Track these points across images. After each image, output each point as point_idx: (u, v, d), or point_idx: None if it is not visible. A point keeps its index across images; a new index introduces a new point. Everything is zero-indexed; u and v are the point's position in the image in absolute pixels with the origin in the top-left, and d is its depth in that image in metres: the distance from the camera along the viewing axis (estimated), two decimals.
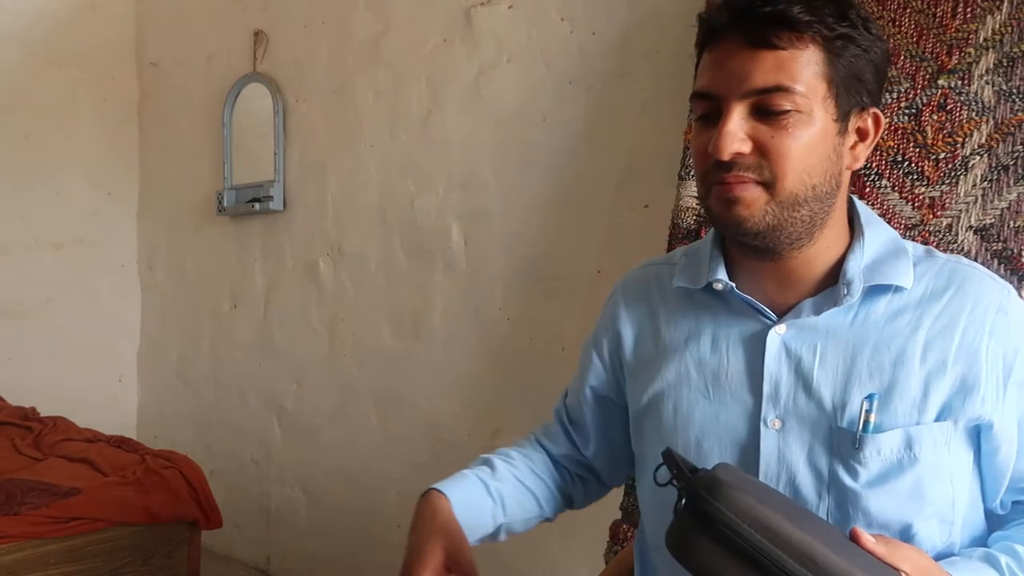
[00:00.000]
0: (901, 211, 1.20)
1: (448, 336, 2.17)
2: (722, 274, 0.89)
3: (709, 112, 0.82)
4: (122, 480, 1.92)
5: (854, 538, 0.71)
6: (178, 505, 1.93)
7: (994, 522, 0.87)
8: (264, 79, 2.66)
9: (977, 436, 0.82)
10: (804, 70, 0.78)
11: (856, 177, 1.23)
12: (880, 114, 0.85)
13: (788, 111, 0.78)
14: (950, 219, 1.16)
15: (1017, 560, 0.79)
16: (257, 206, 2.64)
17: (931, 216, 1.17)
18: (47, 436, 2.29)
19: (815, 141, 0.80)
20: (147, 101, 3.23)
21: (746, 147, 0.79)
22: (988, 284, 0.83)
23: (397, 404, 2.30)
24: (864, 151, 0.85)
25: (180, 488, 1.95)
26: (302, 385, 2.59)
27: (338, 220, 2.47)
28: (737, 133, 0.79)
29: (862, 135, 0.84)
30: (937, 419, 0.80)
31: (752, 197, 0.80)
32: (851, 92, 0.81)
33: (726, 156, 0.78)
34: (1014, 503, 0.86)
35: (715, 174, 0.81)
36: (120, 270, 3.23)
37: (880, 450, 0.80)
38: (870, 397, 0.81)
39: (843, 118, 0.82)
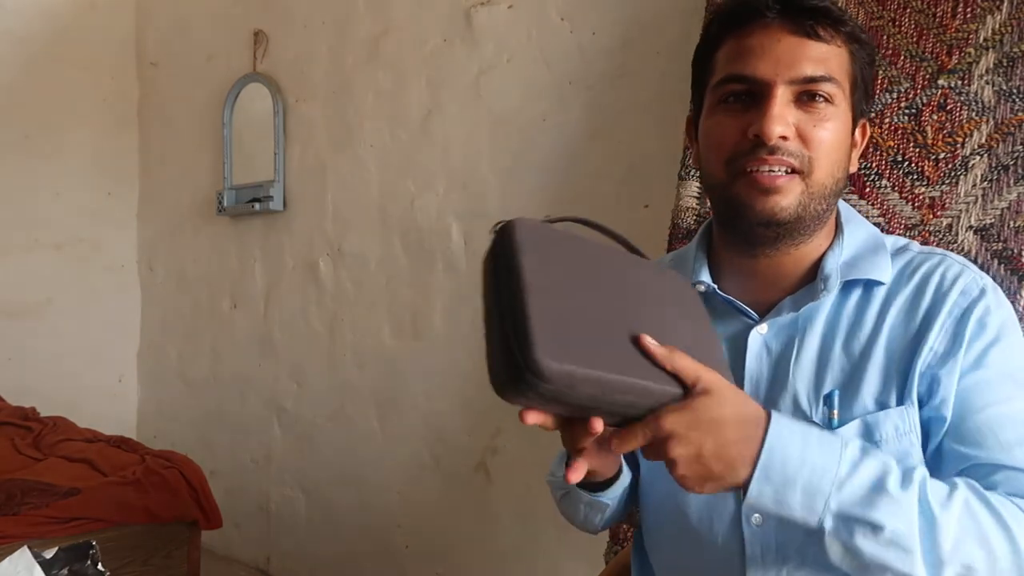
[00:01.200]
0: (901, 211, 1.20)
1: (448, 336, 2.17)
2: (704, 276, 0.90)
3: (742, 96, 0.81)
4: (122, 480, 1.92)
5: (640, 346, 0.68)
6: (178, 505, 1.93)
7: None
8: (264, 79, 2.66)
9: (922, 412, 0.81)
10: (841, 66, 0.81)
11: (856, 177, 1.23)
12: (867, 126, 0.89)
13: (830, 102, 0.80)
14: (950, 219, 1.16)
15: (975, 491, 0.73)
16: (257, 206, 2.64)
17: (931, 216, 1.17)
18: (47, 436, 2.28)
19: (843, 137, 0.82)
20: (147, 101, 3.23)
21: (791, 132, 0.79)
22: (955, 269, 0.83)
23: (397, 404, 2.30)
24: (855, 157, 0.87)
25: (180, 488, 1.95)
26: (302, 385, 2.59)
27: (338, 220, 2.47)
28: (785, 117, 0.79)
29: (853, 143, 0.86)
30: (899, 404, 0.80)
31: (790, 187, 0.80)
32: (860, 96, 0.84)
33: (774, 138, 0.78)
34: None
35: (750, 158, 0.80)
36: (120, 270, 3.23)
37: None
38: (830, 395, 0.82)
39: (855, 119, 0.84)
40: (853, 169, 0.87)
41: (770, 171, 0.79)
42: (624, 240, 0.85)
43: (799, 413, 0.83)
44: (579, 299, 0.67)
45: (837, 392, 0.81)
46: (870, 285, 0.85)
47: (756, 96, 0.80)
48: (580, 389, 0.62)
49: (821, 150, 0.80)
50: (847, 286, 0.85)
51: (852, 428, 0.80)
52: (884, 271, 0.84)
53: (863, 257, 0.86)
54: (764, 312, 0.87)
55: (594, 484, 0.90)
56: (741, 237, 0.86)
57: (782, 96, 0.79)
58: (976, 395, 0.79)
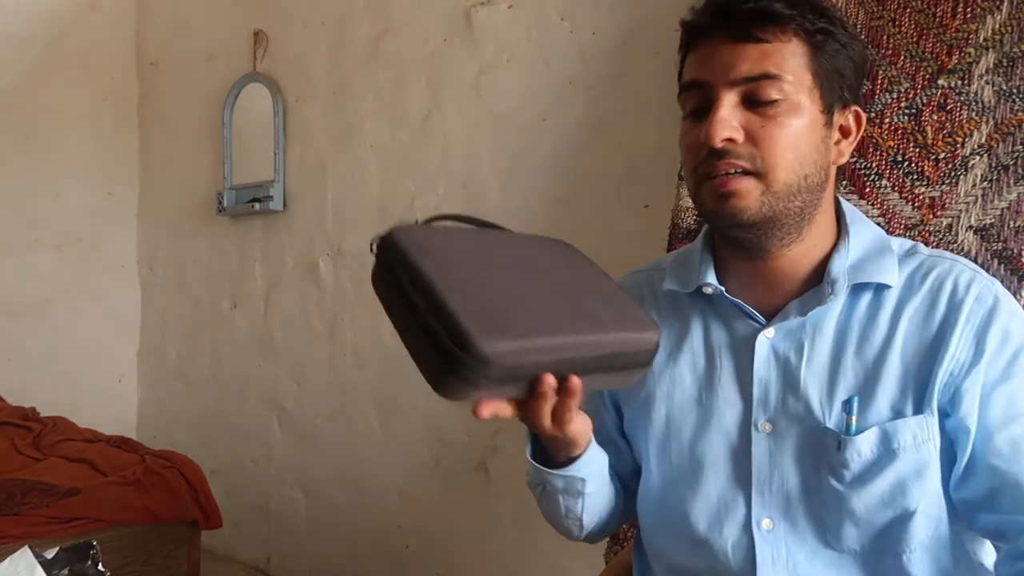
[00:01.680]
0: (901, 211, 1.20)
1: None
2: (711, 277, 0.89)
3: (699, 107, 0.83)
4: (122, 480, 1.92)
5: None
6: (178, 505, 1.93)
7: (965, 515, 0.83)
8: (264, 79, 2.66)
9: (946, 423, 0.82)
10: (789, 60, 0.80)
11: (856, 177, 1.23)
12: (861, 112, 0.87)
13: (777, 100, 0.79)
14: (950, 219, 1.16)
15: None
16: (257, 206, 2.64)
17: (931, 216, 1.17)
18: (47, 436, 2.28)
19: (805, 131, 0.80)
20: (147, 101, 3.23)
21: (738, 135, 0.79)
22: (967, 276, 0.83)
23: (397, 404, 2.30)
24: (848, 147, 0.86)
25: (180, 488, 1.95)
26: (302, 385, 2.59)
27: (338, 220, 2.47)
28: (729, 120, 0.79)
29: (844, 132, 0.85)
30: (916, 412, 0.80)
31: (746, 188, 0.80)
32: (834, 86, 0.82)
33: (718, 142, 0.78)
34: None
35: (706, 164, 0.81)
36: (120, 270, 3.22)
37: (860, 451, 0.80)
38: (849, 400, 0.81)
39: (828, 111, 0.83)
40: (842, 161, 0.86)
41: (725, 174, 0.79)
42: (492, 224, 0.86)
43: (811, 419, 0.83)
44: (487, 282, 0.68)
45: (857, 398, 0.81)
46: (880, 289, 0.84)
47: (707, 105, 0.81)
48: (530, 359, 0.64)
49: (775, 148, 0.79)
50: (856, 290, 0.84)
51: (870, 435, 0.80)
52: (891, 274, 0.84)
53: (870, 260, 0.85)
54: (770, 315, 0.87)
55: (563, 461, 0.87)
56: (727, 242, 0.87)
57: (726, 100, 0.79)
58: (1008, 406, 0.79)
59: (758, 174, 0.79)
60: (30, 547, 0.84)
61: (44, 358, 2.98)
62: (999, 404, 0.79)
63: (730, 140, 0.79)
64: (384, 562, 2.32)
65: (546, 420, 0.73)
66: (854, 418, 0.80)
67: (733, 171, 0.79)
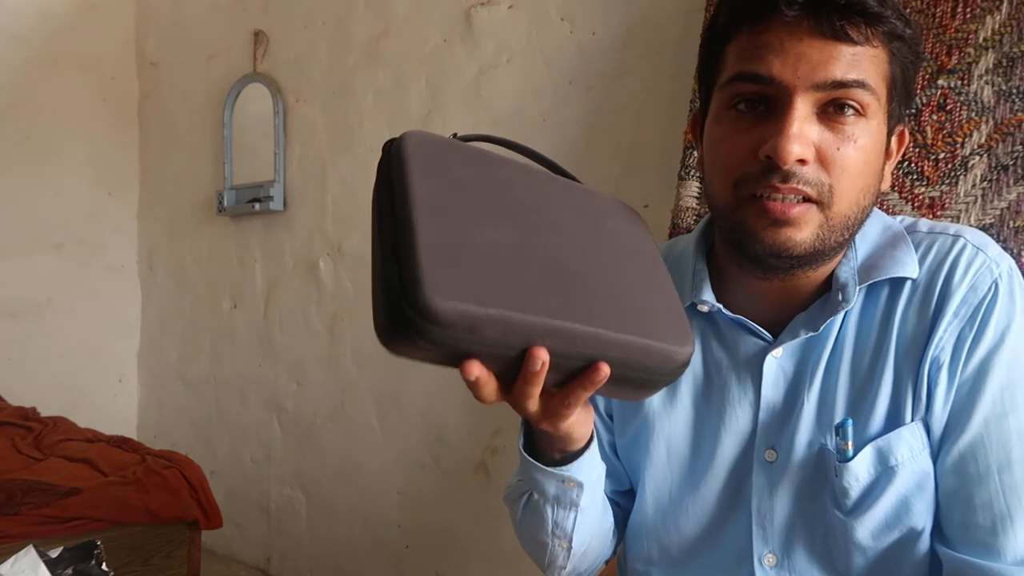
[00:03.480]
0: (901, 211, 1.20)
1: None
2: (708, 294, 0.78)
3: (755, 102, 0.69)
4: (122, 480, 1.92)
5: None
6: (178, 505, 1.93)
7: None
8: (264, 79, 2.66)
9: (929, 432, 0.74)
10: (878, 70, 0.68)
11: None
12: (906, 132, 0.77)
13: (857, 115, 0.67)
14: (950, 219, 1.16)
15: None
16: (257, 206, 2.64)
17: (931, 216, 1.17)
18: (47, 436, 2.28)
19: (874, 157, 0.70)
20: (147, 101, 3.24)
21: (811, 154, 0.66)
22: (969, 253, 0.73)
23: (397, 404, 2.30)
24: (889, 170, 0.75)
25: (180, 488, 1.95)
26: (302, 385, 2.60)
27: (338, 220, 2.47)
28: (805, 136, 0.66)
29: (888, 154, 0.74)
30: (912, 419, 0.72)
31: (806, 219, 0.68)
32: (901, 100, 0.72)
33: (790, 162, 0.66)
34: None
35: (760, 183, 0.68)
36: (120, 270, 3.23)
37: (858, 476, 0.72)
38: (842, 424, 0.73)
39: (891, 132, 0.72)
40: (886, 187, 0.74)
41: (783, 199, 0.67)
42: (552, 163, 0.71)
43: (816, 445, 0.75)
44: (486, 230, 0.54)
45: (851, 422, 0.72)
46: (896, 284, 0.74)
47: (771, 104, 0.68)
48: (491, 335, 0.50)
49: (845, 177, 0.67)
50: (871, 291, 0.75)
51: (865, 457, 0.72)
52: (907, 265, 0.73)
53: (880, 254, 0.75)
54: (776, 330, 0.77)
55: (559, 460, 0.73)
56: (750, 263, 0.74)
57: (802, 107, 0.66)
58: (959, 416, 0.72)
59: (820, 203, 0.68)
60: (34, 546, 0.84)
61: (44, 358, 2.98)
62: (952, 415, 0.71)
63: (801, 161, 0.66)
64: (384, 562, 2.32)
65: (532, 406, 0.57)
66: (849, 443, 0.72)
67: (794, 197, 0.67)
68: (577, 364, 0.55)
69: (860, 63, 0.66)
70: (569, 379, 0.56)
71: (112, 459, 2.06)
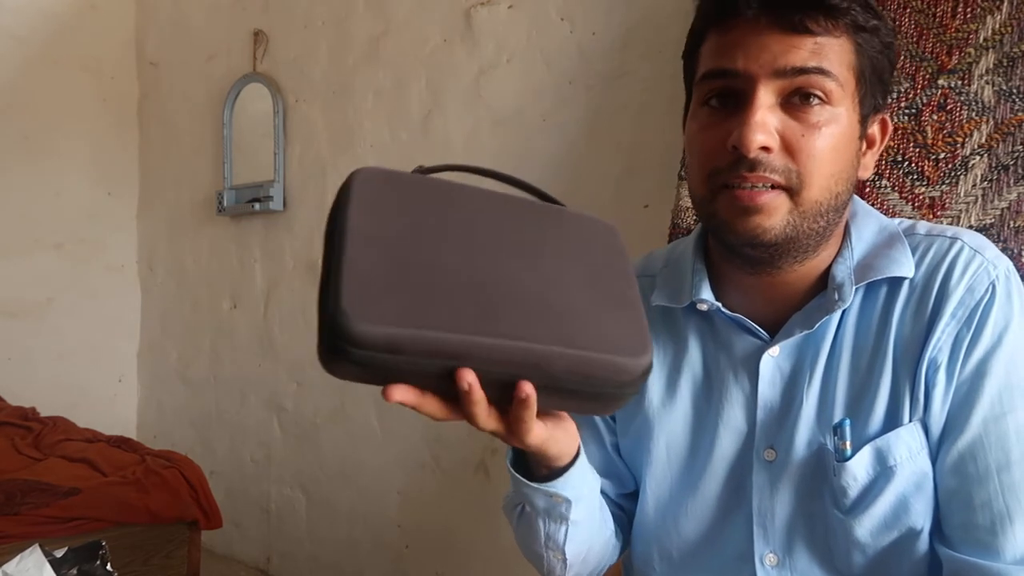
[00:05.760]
0: (901, 211, 1.20)
1: None
2: (707, 293, 0.79)
3: (725, 97, 0.72)
4: (122, 480, 1.92)
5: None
6: (178, 505, 1.93)
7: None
8: (264, 79, 2.66)
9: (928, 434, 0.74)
10: (839, 59, 0.70)
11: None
12: (888, 120, 0.78)
13: (822, 103, 0.69)
14: (950, 219, 1.16)
15: None
16: (257, 206, 2.64)
17: (931, 216, 1.17)
18: (47, 436, 2.28)
19: (843, 144, 0.71)
20: (147, 101, 3.24)
21: (775, 142, 0.69)
22: (966, 256, 0.74)
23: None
24: (872, 160, 0.77)
25: (180, 488, 1.95)
26: (302, 385, 2.60)
27: None
28: (767, 124, 0.68)
29: (870, 142, 0.77)
30: (910, 419, 0.73)
31: (774, 205, 0.70)
32: (874, 91, 0.73)
33: (753, 150, 0.68)
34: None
35: (730, 173, 0.70)
36: (120, 270, 3.23)
37: (856, 476, 0.73)
38: (840, 423, 0.74)
39: (864, 120, 0.74)
40: (866, 174, 0.76)
41: (752, 187, 0.69)
42: (528, 185, 0.73)
43: (815, 444, 0.76)
44: (417, 250, 0.56)
45: (848, 422, 0.73)
46: (894, 284, 0.75)
47: (739, 98, 0.70)
48: (416, 356, 0.51)
49: (813, 163, 0.69)
50: (868, 290, 0.76)
51: (863, 456, 0.73)
52: (903, 264, 0.74)
53: (877, 254, 0.76)
54: (773, 328, 0.78)
55: (545, 475, 0.73)
56: (734, 256, 0.76)
57: (765, 97, 0.69)
58: (957, 415, 0.72)
59: (790, 190, 0.70)
60: (40, 546, 0.84)
61: (44, 358, 2.98)
62: (951, 416, 0.72)
63: (765, 148, 0.69)
64: (384, 562, 2.32)
65: (486, 424, 0.58)
66: (848, 443, 0.73)
67: (762, 185, 0.69)
68: (511, 380, 0.55)
69: (821, 52, 0.69)
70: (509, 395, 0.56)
71: (112, 459, 2.06)
